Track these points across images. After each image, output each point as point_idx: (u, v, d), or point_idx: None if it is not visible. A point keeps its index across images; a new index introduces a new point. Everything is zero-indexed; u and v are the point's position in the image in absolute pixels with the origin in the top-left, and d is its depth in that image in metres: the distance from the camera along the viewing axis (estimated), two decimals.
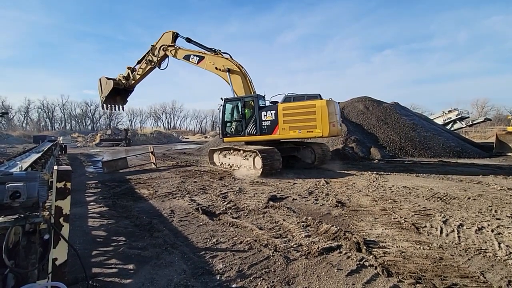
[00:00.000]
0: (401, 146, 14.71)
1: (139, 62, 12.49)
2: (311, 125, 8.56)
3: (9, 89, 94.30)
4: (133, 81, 12.82)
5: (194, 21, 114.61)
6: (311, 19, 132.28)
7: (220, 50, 10.79)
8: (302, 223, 4.22)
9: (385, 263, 2.91)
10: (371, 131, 16.19)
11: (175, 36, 11.55)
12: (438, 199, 5.46)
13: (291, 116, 8.81)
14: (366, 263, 2.91)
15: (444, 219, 4.23)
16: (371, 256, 3.07)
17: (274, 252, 3.23)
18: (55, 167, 2.46)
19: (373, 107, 18.76)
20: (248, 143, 9.88)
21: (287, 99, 9.26)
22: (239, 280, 2.67)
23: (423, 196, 5.69)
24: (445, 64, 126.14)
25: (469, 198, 5.43)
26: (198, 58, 10.83)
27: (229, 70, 10.10)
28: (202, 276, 2.75)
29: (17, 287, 2.07)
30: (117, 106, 13.79)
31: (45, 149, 9.80)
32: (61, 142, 23.57)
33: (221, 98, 10.18)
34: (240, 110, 9.69)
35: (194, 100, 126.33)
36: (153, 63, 11.95)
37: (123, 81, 12.86)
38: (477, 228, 3.84)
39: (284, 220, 4.40)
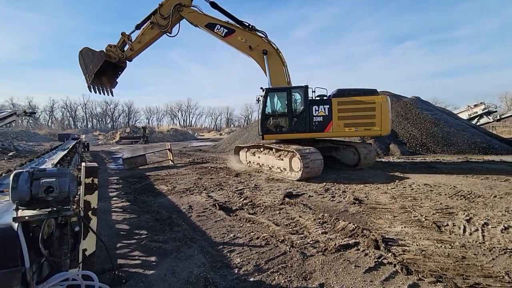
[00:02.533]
0: (422, 142, 14.20)
1: (138, 28, 9.60)
2: (369, 122, 8.05)
3: (35, 89, 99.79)
4: (131, 52, 9.72)
5: None
6: (325, 12, 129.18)
7: (254, 26, 9.00)
8: (319, 220, 4.21)
9: (405, 261, 2.87)
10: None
11: None
12: (462, 197, 5.26)
13: (347, 112, 8.12)
14: (385, 261, 2.88)
15: (468, 218, 4.07)
16: (390, 254, 3.03)
17: (291, 248, 3.26)
18: (83, 164, 2.62)
19: (392, 102, 18.04)
20: (282, 140, 8.86)
21: (340, 92, 8.42)
22: (256, 274, 2.73)
23: (445, 194, 5.49)
24: (470, 55, 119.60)
25: (495, 197, 5.19)
26: (226, 31, 8.96)
27: (266, 53, 8.78)
28: (221, 269, 2.83)
29: (52, 275, 2.23)
30: (104, 89, 10.42)
31: (70, 147, 10.32)
32: (83, 140, 24.68)
33: (261, 88, 8.75)
34: (286, 102, 8.45)
35: (209, 97, 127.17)
36: (162, 28, 9.32)
37: (115, 53, 9.60)
38: (503, 227, 3.68)
39: (300, 216, 4.41)
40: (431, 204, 4.88)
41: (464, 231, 3.63)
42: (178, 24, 9.54)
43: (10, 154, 15.69)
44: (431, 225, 3.85)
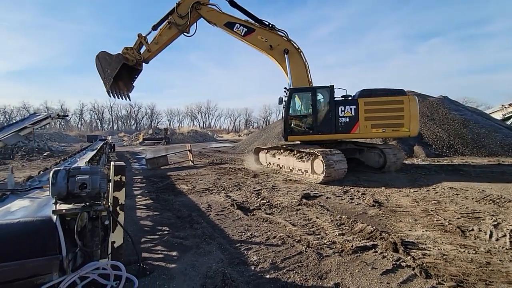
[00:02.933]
0: (449, 144, 13.52)
1: (155, 28, 9.36)
2: (398, 123, 7.93)
3: (67, 93, 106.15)
4: (148, 53, 9.42)
5: None
6: (346, 10, 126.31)
7: (274, 25, 8.85)
8: (336, 222, 4.20)
9: (424, 264, 2.81)
10: None
11: None
12: (490, 201, 4.99)
13: (374, 112, 8.00)
14: (403, 264, 2.84)
15: (495, 223, 3.88)
16: (409, 257, 2.97)
17: (307, 248, 3.30)
18: (112, 163, 2.83)
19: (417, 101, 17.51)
20: (304, 142, 8.70)
21: (365, 92, 8.31)
22: (272, 271, 2.80)
23: (472, 198, 5.24)
24: (504, 50, 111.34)
25: None
26: (245, 30, 8.80)
27: (287, 52, 8.64)
28: (238, 265, 2.94)
29: (84, 263, 2.44)
30: (122, 94, 10.04)
31: (98, 147, 10.98)
32: (110, 141, 25.99)
33: (285, 88, 8.60)
34: (311, 103, 8.28)
35: (228, 98, 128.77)
36: (179, 27, 9.03)
37: (133, 55, 9.27)
38: None
39: (317, 217, 4.42)
40: (456, 208, 4.68)
41: (491, 236, 3.47)
42: (195, 24, 9.32)
43: (45, 154, 16.91)
44: (455, 229, 3.71)
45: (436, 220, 4.11)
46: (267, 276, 2.71)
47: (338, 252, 3.18)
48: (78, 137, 46.94)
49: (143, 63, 9.66)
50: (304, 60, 8.83)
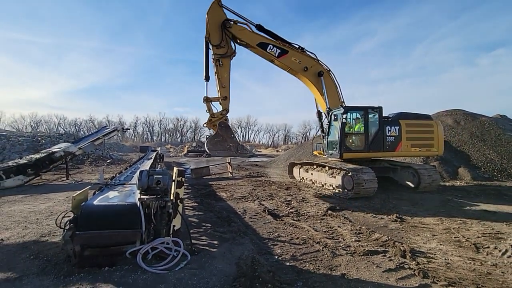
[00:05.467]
0: (502, 168, 12.50)
1: (208, 79, 8.78)
2: (429, 143, 8.99)
3: (124, 108, 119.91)
4: (225, 101, 8.98)
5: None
6: (394, 23, 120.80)
7: (304, 48, 8.97)
8: (356, 231, 4.68)
9: (425, 268, 3.22)
10: (461, 149, 14.28)
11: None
12: None
13: (412, 133, 8.89)
14: (406, 266, 3.28)
15: None
16: (414, 262, 3.39)
17: (324, 248, 3.89)
18: (175, 168, 3.86)
19: (466, 121, 16.46)
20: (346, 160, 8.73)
21: (403, 115, 9.13)
22: (291, 261, 3.48)
23: (503, 221, 5.21)
24: None
25: None
26: (279, 51, 8.75)
27: (322, 74, 8.99)
28: (265, 255, 3.67)
29: (155, 238, 3.42)
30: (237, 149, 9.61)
31: (152, 157, 12.74)
32: (159, 152, 28.85)
33: (341, 105, 8.84)
34: (364, 122, 8.61)
35: (267, 114, 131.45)
36: (226, 55, 8.58)
37: (218, 117, 9.03)
38: None
39: (339, 226, 4.94)
40: (480, 228, 4.79)
41: (504, 254, 3.65)
42: (232, 43, 8.79)
43: (108, 161, 19.70)
44: (470, 245, 3.95)
45: (455, 237, 4.34)
46: (287, 264, 3.40)
47: (351, 253, 3.72)
48: (132, 147, 52.33)
49: (228, 110, 9.20)
50: (335, 81, 9.27)
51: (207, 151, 8.73)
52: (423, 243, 4.14)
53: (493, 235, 4.44)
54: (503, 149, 13.43)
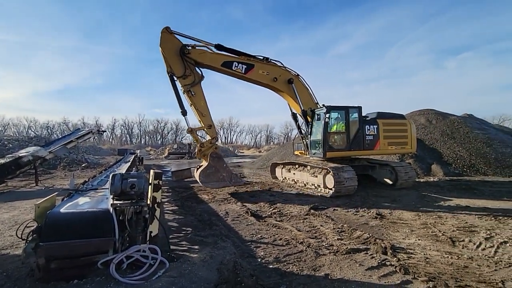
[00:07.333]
0: (470, 163, 13.25)
1: (185, 114, 8.39)
2: (404, 141, 9.43)
3: (101, 110, 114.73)
4: (210, 129, 8.64)
5: (247, 41, 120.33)
6: (368, 26, 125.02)
7: (268, 58, 8.83)
8: (338, 229, 4.70)
9: (406, 264, 3.26)
10: (433, 146, 14.99)
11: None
12: (492, 218, 5.20)
13: (388, 132, 9.24)
14: (388, 263, 3.31)
15: (488, 236, 4.17)
16: (395, 258, 3.43)
17: (307, 248, 3.85)
18: (151, 171, 3.66)
19: (437, 120, 17.34)
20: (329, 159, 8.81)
21: (380, 115, 9.44)
22: (275, 263, 3.39)
23: (475, 215, 5.46)
24: None
25: None
26: (245, 67, 8.45)
27: (292, 81, 9.01)
28: (247, 258, 3.56)
29: (130, 246, 3.20)
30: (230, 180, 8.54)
31: (130, 160, 12.24)
32: (139, 154, 27.88)
33: (323, 105, 8.87)
34: (345, 121, 8.78)
35: (249, 115, 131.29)
36: (195, 83, 8.06)
37: (208, 145, 8.56)
38: None
39: (321, 225, 4.94)
40: (454, 222, 4.97)
41: (478, 246, 3.80)
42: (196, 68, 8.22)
43: (83, 165, 18.71)
44: (446, 239, 4.07)
45: (432, 232, 4.47)
46: (270, 266, 3.32)
47: (334, 252, 3.70)
48: (110, 150, 50.24)
49: (217, 137, 8.99)
50: (306, 84, 9.29)
51: (200, 183, 8.30)
52: (403, 238, 4.22)
53: (467, 228, 4.62)
54: (471, 146, 14.24)
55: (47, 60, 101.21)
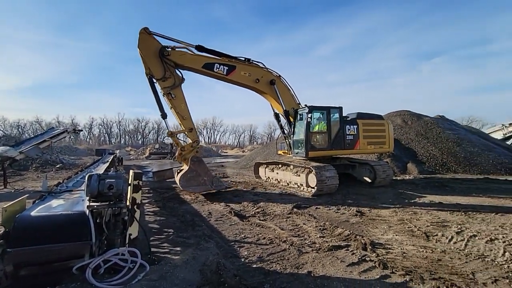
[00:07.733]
0: (442, 162, 14.00)
1: (165, 116, 8.16)
2: (382, 141, 9.78)
3: (77, 109, 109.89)
4: (191, 133, 8.38)
5: (231, 42, 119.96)
6: (348, 29, 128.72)
7: (250, 59, 8.77)
8: (320, 227, 4.78)
9: (385, 259, 3.38)
10: (409, 146, 15.69)
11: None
12: (463, 213, 5.51)
13: (368, 132, 9.52)
14: (367, 259, 3.41)
15: (459, 230, 4.42)
16: (374, 254, 3.55)
17: (290, 246, 3.89)
18: (131, 171, 3.54)
19: (412, 121, 18.16)
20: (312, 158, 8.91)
21: (360, 115, 9.70)
22: (258, 263, 3.40)
23: (447, 210, 5.77)
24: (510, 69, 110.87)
25: (496, 214, 5.40)
26: (227, 68, 8.36)
27: (274, 82, 9.03)
28: (231, 258, 3.54)
29: (108, 249, 3.08)
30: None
31: (109, 161, 11.77)
32: (118, 155, 26.91)
33: (305, 105, 8.92)
34: (326, 121, 8.93)
35: (233, 115, 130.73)
36: (175, 86, 7.84)
37: (189, 149, 8.39)
38: (489, 239, 4.01)
39: (304, 224, 5.00)
40: (429, 218, 5.23)
41: (450, 240, 4.02)
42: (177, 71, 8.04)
43: (58, 166, 17.78)
44: (421, 234, 4.27)
45: (408, 227, 4.66)
46: (254, 266, 3.31)
47: (316, 250, 3.77)
48: (87, 150, 48.15)
49: (198, 141, 8.74)
50: (287, 84, 9.35)
51: (181, 188, 8.10)
52: (381, 234, 4.37)
53: (439, 223, 4.87)
54: (443, 146, 15.05)
55: (16, 54, 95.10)
